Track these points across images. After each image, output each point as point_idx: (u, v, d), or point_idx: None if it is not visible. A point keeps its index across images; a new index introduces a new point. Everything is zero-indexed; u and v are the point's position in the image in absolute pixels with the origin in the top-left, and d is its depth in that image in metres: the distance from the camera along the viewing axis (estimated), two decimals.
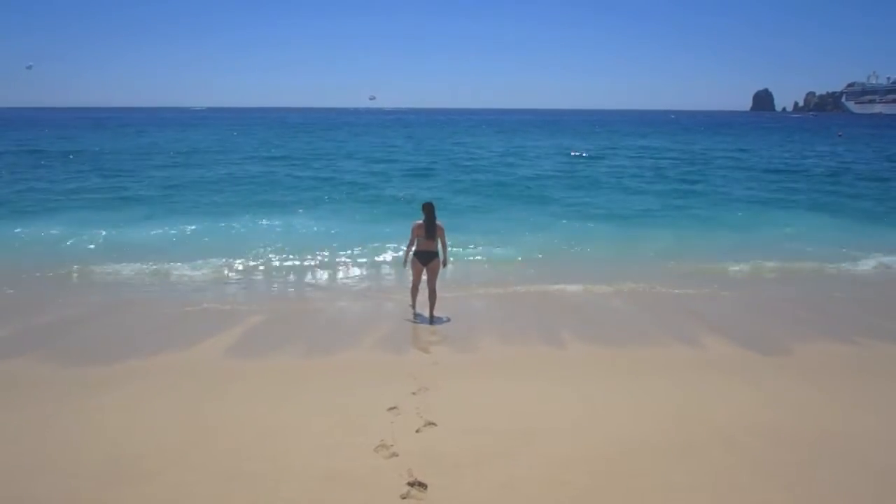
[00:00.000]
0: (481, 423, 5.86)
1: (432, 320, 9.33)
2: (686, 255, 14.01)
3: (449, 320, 9.42)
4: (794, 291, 11.43)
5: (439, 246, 9.42)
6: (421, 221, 9.30)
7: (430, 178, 29.39)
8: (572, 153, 43.45)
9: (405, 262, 9.50)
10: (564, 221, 18.31)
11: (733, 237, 16.23)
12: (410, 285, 9.77)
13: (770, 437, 5.65)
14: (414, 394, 6.53)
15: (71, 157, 36.20)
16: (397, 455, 5.24)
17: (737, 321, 9.55)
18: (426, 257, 9.33)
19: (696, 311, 9.99)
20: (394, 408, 6.14)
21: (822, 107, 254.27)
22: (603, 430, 5.80)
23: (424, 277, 9.49)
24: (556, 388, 6.83)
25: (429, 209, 9.30)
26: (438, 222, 9.33)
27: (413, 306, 9.75)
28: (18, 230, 15.68)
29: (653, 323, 9.36)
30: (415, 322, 9.39)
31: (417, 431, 5.68)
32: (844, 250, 14.36)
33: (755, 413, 6.20)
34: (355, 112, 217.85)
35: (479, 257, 13.67)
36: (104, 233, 15.36)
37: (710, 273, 12.46)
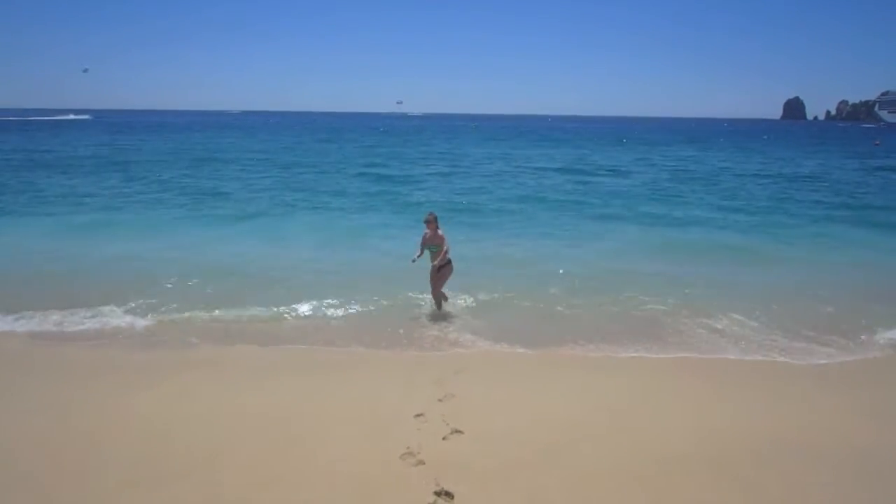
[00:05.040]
0: (508, 432, 5.82)
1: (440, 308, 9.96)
2: None
3: (464, 319, 9.71)
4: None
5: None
6: (428, 231, 9.97)
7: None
8: None
9: (414, 259, 10.07)
10: None
11: None
12: (432, 292, 10.07)
13: (802, 453, 5.52)
14: (440, 401, 6.51)
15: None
16: (424, 463, 5.23)
17: (766, 329, 9.35)
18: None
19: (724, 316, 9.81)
20: (420, 415, 6.13)
21: (855, 116, 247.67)
22: (631, 441, 5.71)
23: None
24: (583, 397, 6.77)
25: (432, 220, 9.95)
26: (440, 231, 9.95)
27: (438, 310, 9.92)
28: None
29: (682, 330, 9.21)
30: (439, 328, 9.39)
31: (444, 439, 5.67)
32: None
33: (785, 426, 6.06)
34: (392, 117, 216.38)
35: None
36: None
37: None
